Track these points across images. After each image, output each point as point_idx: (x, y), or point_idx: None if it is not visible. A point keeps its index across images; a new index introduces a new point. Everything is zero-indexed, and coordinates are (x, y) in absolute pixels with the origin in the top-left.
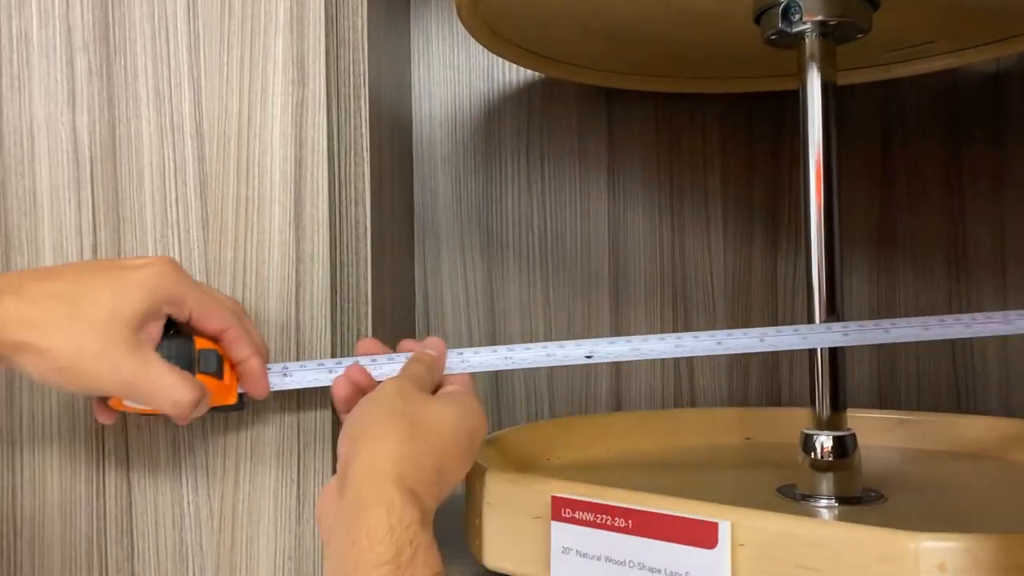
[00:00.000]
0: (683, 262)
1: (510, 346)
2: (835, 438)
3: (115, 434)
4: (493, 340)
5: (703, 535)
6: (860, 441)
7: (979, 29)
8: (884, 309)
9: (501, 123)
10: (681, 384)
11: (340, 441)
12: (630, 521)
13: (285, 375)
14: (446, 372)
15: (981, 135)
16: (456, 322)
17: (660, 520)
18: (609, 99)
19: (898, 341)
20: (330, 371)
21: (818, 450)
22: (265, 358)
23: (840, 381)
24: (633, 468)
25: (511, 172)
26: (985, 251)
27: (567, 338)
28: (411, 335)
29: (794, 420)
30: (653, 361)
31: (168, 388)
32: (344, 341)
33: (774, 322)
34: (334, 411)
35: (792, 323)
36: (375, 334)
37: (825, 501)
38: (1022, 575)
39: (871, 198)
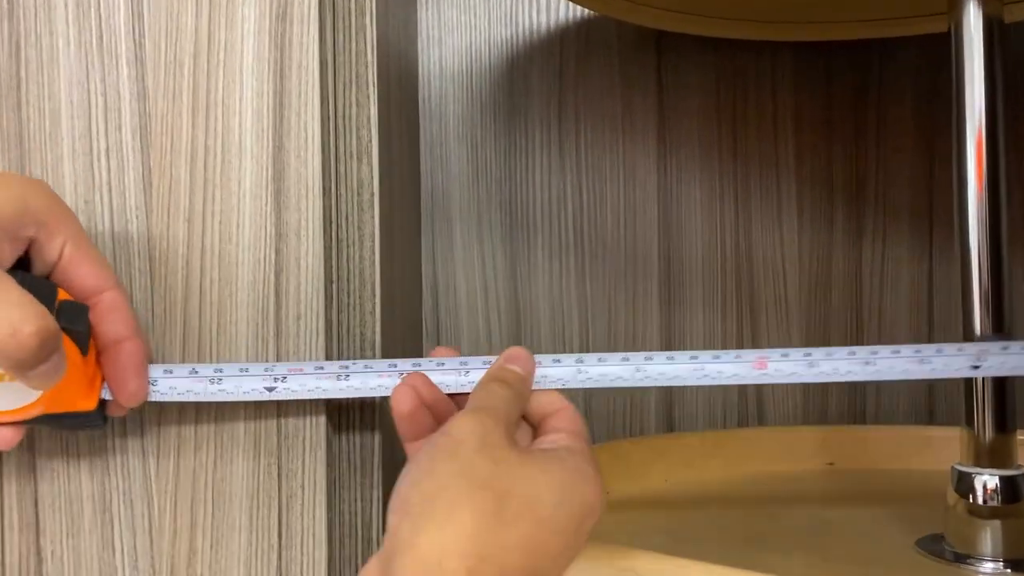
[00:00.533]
0: (749, 250)
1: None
2: (1004, 479)
3: (18, 484)
4: (516, 342)
5: None
6: None
7: None
8: None
9: (527, 77)
10: (747, 398)
11: (393, 505)
12: None
13: (214, 381)
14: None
15: None
16: (472, 321)
17: None
18: (660, 47)
19: None
20: (274, 380)
21: (979, 492)
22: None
23: (1010, 394)
24: (705, 506)
25: (539, 138)
26: None
27: (606, 340)
28: (416, 337)
29: (883, 441)
30: None
31: (10, 305)
32: (343, 349)
33: (857, 324)
34: (329, 449)
35: (880, 324)
36: (385, 338)
37: (991, 565)
38: None
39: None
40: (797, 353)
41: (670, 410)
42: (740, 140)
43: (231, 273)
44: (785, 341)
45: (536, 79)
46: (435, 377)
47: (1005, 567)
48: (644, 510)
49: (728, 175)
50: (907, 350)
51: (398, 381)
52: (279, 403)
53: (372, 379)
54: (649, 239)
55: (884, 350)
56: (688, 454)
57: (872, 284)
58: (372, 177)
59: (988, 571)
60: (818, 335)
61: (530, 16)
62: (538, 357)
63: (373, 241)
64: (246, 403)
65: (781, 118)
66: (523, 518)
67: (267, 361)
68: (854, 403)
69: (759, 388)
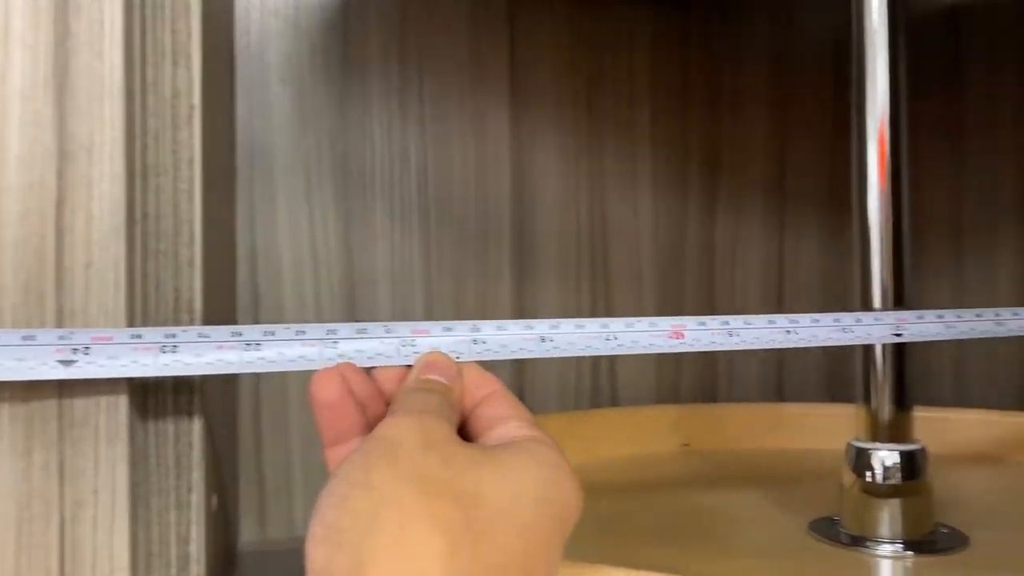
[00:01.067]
0: (603, 218)
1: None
2: (904, 454)
3: None
4: (351, 318)
5: None
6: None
7: None
8: (836, 282)
9: (365, 18)
10: (600, 376)
11: (313, 533)
12: None
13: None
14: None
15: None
16: (298, 292)
17: None
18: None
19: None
20: (73, 352)
21: (878, 470)
22: None
23: (907, 369)
24: None
25: (378, 88)
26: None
27: (454, 315)
28: (231, 310)
29: (737, 419)
30: None
31: None
32: (150, 310)
33: (711, 298)
34: (132, 441)
35: (732, 298)
36: (208, 299)
37: (890, 547)
38: None
39: (823, 151)
40: (715, 322)
41: (520, 391)
42: (595, 99)
43: None
44: (638, 314)
45: (374, 17)
46: (296, 350)
47: (905, 549)
48: None
49: (583, 136)
50: (826, 319)
51: (245, 355)
52: (62, 380)
53: (209, 352)
54: (501, 203)
55: (804, 319)
56: None
57: (724, 257)
58: (192, 84)
59: (887, 553)
60: (672, 309)
61: None
62: (425, 325)
63: (192, 169)
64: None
65: (637, 84)
66: (501, 528)
67: (44, 324)
68: (706, 379)
69: (612, 365)
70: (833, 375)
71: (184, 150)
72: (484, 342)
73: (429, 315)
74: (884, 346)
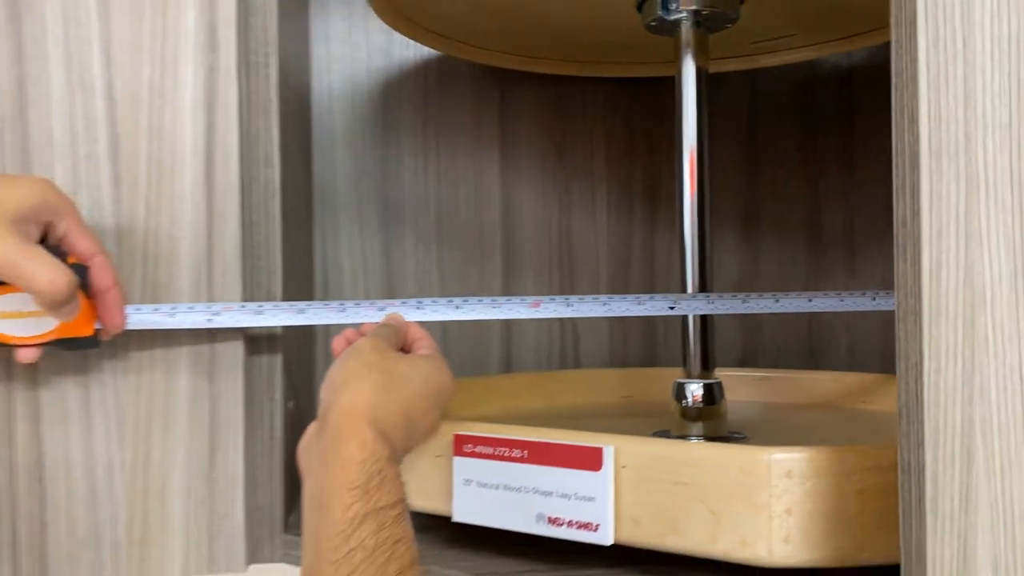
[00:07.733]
0: (570, 239)
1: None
2: (705, 386)
3: (24, 387)
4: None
5: (590, 459)
6: (727, 396)
7: (832, 25)
8: (750, 282)
9: (399, 100)
10: (567, 347)
11: (323, 388)
12: (526, 451)
13: (172, 314)
14: None
15: (834, 125)
16: (354, 290)
17: (552, 449)
18: (502, 80)
19: (754, 312)
20: (212, 314)
21: (689, 398)
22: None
23: (709, 340)
24: (521, 422)
25: (408, 148)
26: (836, 233)
27: None
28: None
29: (668, 378)
30: (541, 324)
31: (46, 267)
32: (254, 296)
33: (651, 291)
34: (246, 369)
35: (666, 292)
36: (286, 291)
37: (695, 440)
38: (852, 478)
39: (737, 183)
40: (560, 298)
41: (509, 353)
42: (564, 151)
43: (176, 245)
44: None
45: (406, 101)
46: (319, 316)
47: (703, 439)
48: None
49: (552, 180)
50: (631, 297)
51: (297, 316)
52: (210, 331)
53: (281, 313)
54: (493, 229)
55: (617, 297)
56: (516, 389)
57: (660, 262)
58: (275, 177)
59: (693, 441)
60: None
61: (401, 51)
62: (393, 301)
63: (276, 222)
64: (187, 333)
65: (595, 137)
66: (401, 388)
67: (200, 300)
68: (647, 348)
69: (576, 335)
70: (745, 348)
71: (272, 211)
72: (422, 309)
73: None
74: (695, 323)
